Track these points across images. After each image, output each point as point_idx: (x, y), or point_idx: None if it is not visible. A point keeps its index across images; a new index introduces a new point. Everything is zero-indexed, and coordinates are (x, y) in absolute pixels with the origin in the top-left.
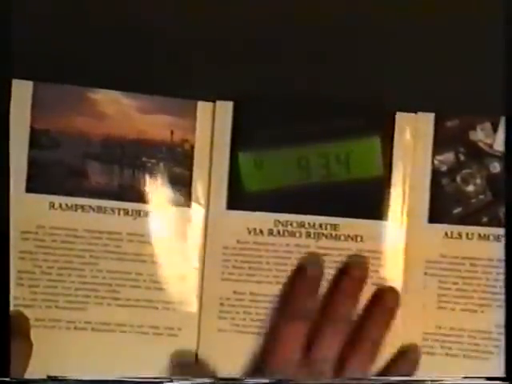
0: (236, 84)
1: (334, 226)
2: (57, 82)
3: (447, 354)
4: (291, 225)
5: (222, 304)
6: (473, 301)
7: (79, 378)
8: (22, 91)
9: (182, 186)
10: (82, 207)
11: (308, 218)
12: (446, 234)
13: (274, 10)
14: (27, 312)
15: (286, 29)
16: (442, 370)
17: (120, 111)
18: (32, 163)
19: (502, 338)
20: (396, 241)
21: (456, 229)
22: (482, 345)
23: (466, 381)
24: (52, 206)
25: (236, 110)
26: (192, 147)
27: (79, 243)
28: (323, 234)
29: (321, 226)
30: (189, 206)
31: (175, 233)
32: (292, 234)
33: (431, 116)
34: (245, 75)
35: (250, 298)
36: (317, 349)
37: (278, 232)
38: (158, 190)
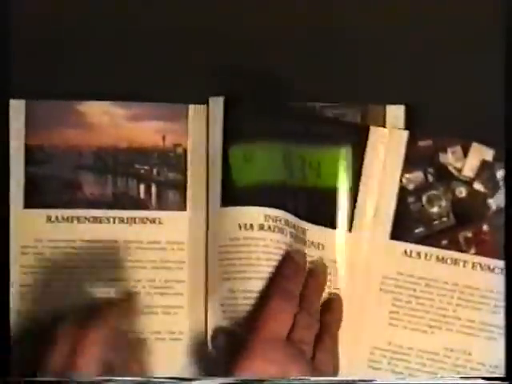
0: (226, 85)
1: (303, 231)
2: (47, 98)
3: (393, 371)
4: (280, 221)
5: (222, 304)
6: (424, 321)
7: (79, 379)
8: (16, 110)
9: (177, 190)
10: (78, 218)
11: (289, 217)
12: (405, 252)
13: (269, 11)
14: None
15: (280, 30)
16: None
17: (111, 121)
18: (28, 179)
19: (449, 360)
20: (355, 253)
21: (415, 248)
22: (428, 365)
23: (465, 381)
24: (49, 219)
25: (226, 107)
26: (185, 151)
27: (77, 254)
28: (297, 235)
29: (294, 226)
30: (184, 209)
31: (172, 237)
32: (280, 231)
33: (405, 133)
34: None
35: (242, 295)
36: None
37: (269, 227)
38: (152, 195)
